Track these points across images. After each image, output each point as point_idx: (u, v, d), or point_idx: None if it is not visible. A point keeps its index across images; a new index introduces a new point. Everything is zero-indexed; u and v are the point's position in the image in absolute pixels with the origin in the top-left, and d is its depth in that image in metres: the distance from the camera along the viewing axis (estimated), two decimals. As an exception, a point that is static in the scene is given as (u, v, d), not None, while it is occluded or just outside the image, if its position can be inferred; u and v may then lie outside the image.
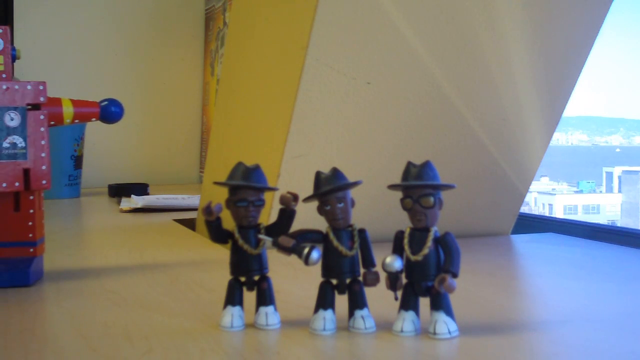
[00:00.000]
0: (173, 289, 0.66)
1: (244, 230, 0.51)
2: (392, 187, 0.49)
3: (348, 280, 0.50)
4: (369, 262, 0.50)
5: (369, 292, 0.50)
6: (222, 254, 0.83)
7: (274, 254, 0.51)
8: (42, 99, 0.67)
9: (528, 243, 0.97)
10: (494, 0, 0.82)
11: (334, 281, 0.50)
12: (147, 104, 2.06)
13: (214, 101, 1.97)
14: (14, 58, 0.69)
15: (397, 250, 0.49)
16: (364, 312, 0.50)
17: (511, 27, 0.85)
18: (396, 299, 0.50)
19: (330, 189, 0.49)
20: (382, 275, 0.49)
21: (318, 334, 0.49)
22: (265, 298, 0.51)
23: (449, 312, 0.48)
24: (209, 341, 0.48)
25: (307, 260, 0.48)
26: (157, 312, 0.57)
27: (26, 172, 0.66)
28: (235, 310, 0.51)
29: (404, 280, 0.49)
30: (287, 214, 0.51)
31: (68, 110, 0.72)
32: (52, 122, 0.71)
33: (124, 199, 1.47)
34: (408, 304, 0.49)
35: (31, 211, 0.68)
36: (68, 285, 0.67)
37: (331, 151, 0.84)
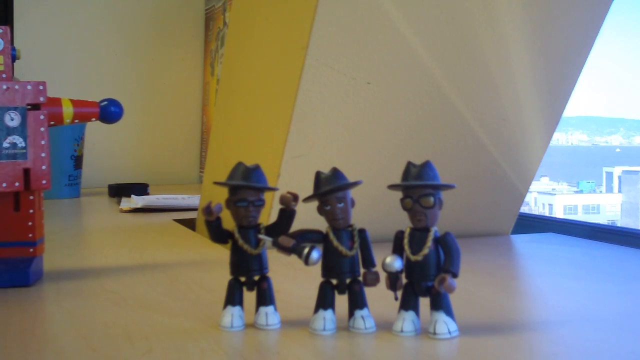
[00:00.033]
0: (173, 289, 0.66)
1: (244, 230, 0.51)
2: (392, 187, 0.49)
3: (348, 280, 0.50)
4: (369, 262, 0.50)
5: (369, 292, 0.50)
6: (222, 254, 0.83)
7: (274, 254, 0.51)
8: (42, 99, 0.67)
9: (528, 243, 0.97)
10: (494, 0, 0.82)
11: (334, 281, 0.50)
12: (147, 104, 2.06)
13: (214, 101, 1.97)
14: (14, 58, 0.69)
15: (397, 250, 0.49)
16: (364, 312, 0.50)
17: (511, 27, 0.85)
18: (396, 299, 0.50)
19: (330, 189, 0.49)
20: (382, 275, 0.49)
21: (318, 334, 0.49)
22: (265, 298, 0.51)
23: (449, 312, 0.48)
24: (209, 341, 0.48)
25: (307, 260, 0.48)
26: (157, 312, 0.57)
27: (26, 172, 0.66)
28: (235, 310, 0.51)
29: (404, 280, 0.49)
30: (287, 214, 0.51)
31: (68, 110, 0.72)
32: (52, 122, 0.71)
33: (124, 199, 1.47)
34: (408, 304, 0.49)
35: (31, 211, 0.68)
36: (68, 285, 0.67)
37: (331, 151, 0.84)
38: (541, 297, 0.68)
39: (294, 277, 0.70)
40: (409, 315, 0.49)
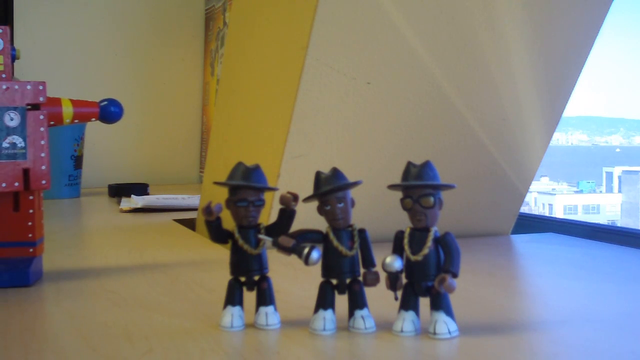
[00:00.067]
0: (173, 289, 0.66)
1: (244, 230, 0.51)
2: (392, 187, 0.49)
3: (348, 280, 0.50)
4: (369, 262, 0.50)
5: (369, 292, 0.50)
6: (222, 254, 0.83)
7: (274, 254, 0.51)
8: (41, 99, 0.67)
9: (528, 243, 0.97)
10: (494, 0, 0.82)
11: (334, 281, 0.50)
12: (147, 104, 2.06)
13: (214, 101, 1.97)
14: (14, 58, 0.69)
15: (397, 250, 0.49)
16: (364, 312, 0.50)
17: (511, 27, 0.85)
18: (396, 299, 0.50)
19: (330, 189, 0.49)
20: (382, 275, 0.49)
21: (318, 334, 0.49)
22: (265, 298, 0.51)
23: (449, 312, 0.48)
24: (209, 341, 0.48)
25: (307, 260, 0.48)
26: (157, 312, 0.57)
27: (26, 172, 0.66)
28: (235, 310, 0.51)
29: (404, 280, 0.49)
30: (287, 214, 0.51)
31: (68, 110, 0.72)
32: (52, 122, 0.71)
33: (124, 199, 1.47)
34: (408, 304, 0.49)
35: (31, 211, 0.68)
36: (68, 285, 0.67)
37: (331, 151, 0.84)
38: (541, 297, 0.68)
39: (294, 277, 0.70)
40: (409, 315, 0.49)
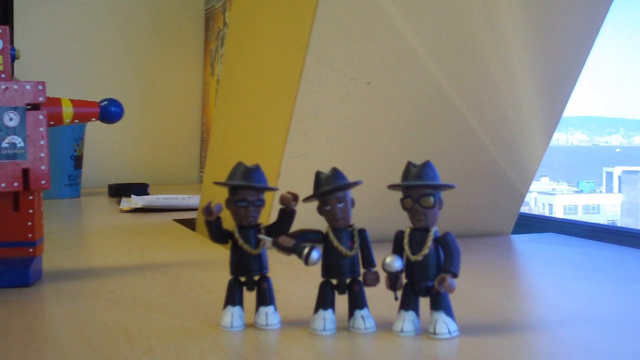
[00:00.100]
0: (173, 289, 0.66)
1: (244, 230, 0.51)
2: (392, 187, 0.49)
3: (348, 280, 0.50)
4: (369, 262, 0.50)
5: (369, 292, 0.50)
6: (222, 254, 0.83)
7: (274, 254, 0.51)
8: (41, 99, 0.67)
9: (528, 243, 0.97)
10: (494, 0, 0.82)
11: (334, 281, 0.50)
12: (147, 104, 2.06)
13: (214, 101, 1.97)
14: (14, 58, 0.69)
15: (397, 250, 0.49)
16: (364, 312, 0.50)
17: (511, 27, 0.85)
18: (396, 299, 0.50)
19: (330, 189, 0.49)
20: (382, 275, 0.49)
21: (318, 334, 0.49)
22: (265, 298, 0.51)
23: (449, 312, 0.48)
24: (209, 341, 0.48)
25: (307, 260, 0.48)
26: (157, 312, 0.57)
27: (25, 172, 0.66)
28: (235, 310, 0.51)
29: (404, 280, 0.49)
30: (287, 214, 0.51)
31: (68, 110, 0.72)
32: (52, 122, 0.71)
33: (124, 199, 1.47)
34: (408, 304, 0.49)
35: (30, 211, 0.68)
36: (68, 285, 0.67)
37: (331, 151, 0.84)
38: (541, 297, 0.68)
39: (294, 277, 0.69)
40: (409, 315, 0.49)
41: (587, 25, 0.89)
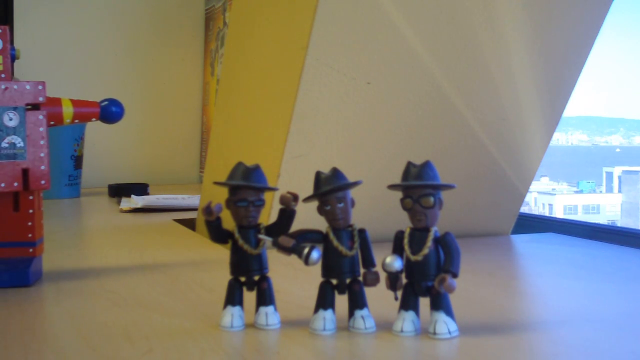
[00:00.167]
0: (173, 289, 0.66)
1: (244, 230, 0.51)
2: (392, 187, 0.49)
3: (348, 280, 0.50)
4: (369, 262, 0.50)
5: (369, 292, 0.50)
6: (222, 254, 0.83)
7: (274, 254, 0.51)
8: (41, 99, 0.67)
9: (528, 243, 0.97)
10: (494, 0, 0.82)
11: (334, 281, 0.50)
12: (147, 104, 2.06)
13: (214, 101, 1.97)
14: (14, 58, 0.69)
15: (397, 250, 0.49)
16: (364, 312, 0.50)
17: (511, 27, 0.85)
18: (396, 299, 0.50)
19: (330, 189, 0.49)
20: (382, 275, 0.49)
21: (318, 334, 0.49)
22: (265, 298, 0.51)
23: (449, 312, 0.48)
24: (209, 341, 0.48)
25: (307, 260, 0.48)
26: (157, 312, 0.57)
27: (25, 172, 0.66)
28: (235, 310, 0.51)
29: (404, 280, 0.49)
30: (287, 214, 0.51)
31: (68, 110, 0.72)
32: (52, 122, 0.71)
33: (124, 199, 1.47)
34: (408, 304, 0.49)
35: (30, 211, 0.68)
36: (68, 285, 0.67)
37: (331, 151, 0.84)
38: (541, 297, 0.68)
39: (294, 277, 0.69)
40: (409, 315, 0.49)
41: (587, 25, 0.89)
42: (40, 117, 0.67)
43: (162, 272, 0.74)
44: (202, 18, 2.13)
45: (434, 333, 0.48)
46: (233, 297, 0.51)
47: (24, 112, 0.66)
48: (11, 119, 0.66)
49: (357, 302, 0.50)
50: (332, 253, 0.50)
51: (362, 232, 0.50)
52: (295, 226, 0.51)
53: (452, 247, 0.48)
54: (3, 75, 0.66)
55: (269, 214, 0.82)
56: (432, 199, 0.48)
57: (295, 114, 0.80)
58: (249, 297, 0.51)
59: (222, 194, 0.50)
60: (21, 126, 0.66)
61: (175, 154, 2.12)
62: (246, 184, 0.49)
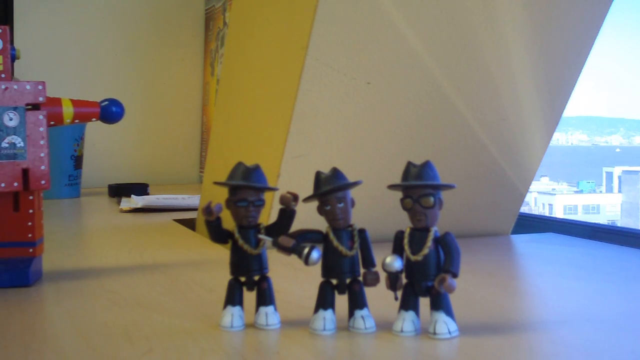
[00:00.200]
0: (173, 289, 0.66)
1: (244, 230, 0.51)
2: (392, 187, 0.49)
3: (348, 280, 0.50)
4: (369, 262, 0.50)
5: (369, 292, 0.50)
6: (222, 254, 0.83)
7: (274, 254, 0.51)
8: (41, 99, 0.67)
9: (528, 243, 0.97)
10: (494, 0, 0.82)
11: (334, 281, 0.50)
12: (147, 104, 2.06)
13: (214, 101, 1.97)
14: (14, 58, 0.69)
15: (397, 250, 0.49)
16: (364, 312, 0.50)
17: (511, 27, 0.85)
18: (396, 299, 0.50)
19: (330, 189, 0.49)
20: (382, 275, 0.49)
21: (318, 334, 0.49)
22: (265, 298, 0.51)
23: (449, 312, 0.48)
24: (209, 341, 0.48)
25: (307, 260, 0.48)
26: (157, 312, 0.57)
27: (25, 172, 0.66)
28: (235, 310, 0.51)
29: (404, 280, 0.49)
30: (287, 214, 0.51)
31: (68, 110, 0.72)
32: (52, 122, 0.71)
33: (124, 199, 1.47)
34: (408, 304, 0.49)
35: (30, 211, 0.68)
36: (68, 285, 0.67)
37: (331, 151, 0.84)
38: (541, 297, 0.68)
39: (294, 277, 0.69)
40: (409, 315, 0.49)
41: (587, 25, 0.89)
42: (41, 117, 0.67)
43: (162, 272, 0.74)
44: (202, 18, 2.13)
45: (434, 333, 0.48)
46: (233, 297, 0.51)
47: (24, 112, 0.66)
48: (11, 119, 0.66)
49: (357, 302, 0.50)
50: (332, 253, 0.50)
51: (362, 232, 0.50)
52: (295, 226, 0.51)
53: (452, 247, 0.48)
54: (3, 75, 0.66)
55: (269, 214, 0.82)
56: (432, 199, 0.48)
57: (295, 114, 0.80)
58: (249, 297, 0.51)
59: (222, 194, 0.50)
60: (21, 126, 0.66)
61: (175, 154, 2.12)
62: (246, 184, 0.49)
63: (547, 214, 6.47)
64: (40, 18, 1.96)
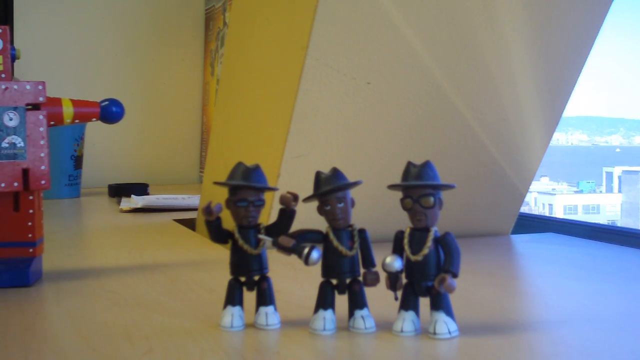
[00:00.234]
0: (173, 289, 0.66)
1: (244, 230, 0.51)
2: (392, 187, 0.49)
3: (348, 280, 0.50)
4: (369, 262, 0.50)
5: (369, 292, 0.50)
6: (222, 254, 0.83)
7: (274, 254, 0.51)
8: (41, 98, 0.67)
9: (528, 243, 0.97)
10: (494, 0, 0.82)
11: (334, 281, 0.50)
12: (147, 104, 2.06)
13: (214, 101, 1.97)
14: (14, 58, 0.69)
15: (397, 250, 0.49)
16: (364, 312, 0.50)
17: (511, 27, 0.85)
18: (396, 299, 0.50)
19: (330, 189, 0.49)
20: (382, 275, 0.49)
21: (318, 334, 0.49)
22: (265, 298, 0.51)
23: (449, 312, 0.48)
24: (209, 341, 0.48)
25: (307, 260, 0.48)
26: (157, 312, 0.57)
27: (25, 172, 0.66)
28: (235, 310, 0.51)
29: (404, 280, 0.49)
30: (287, 214, 0.51)
31: (68, 110, 0.72)
32: (52, 122, 0.71)
33: (124, 199, 1.47)
34: (408, 304, 0.49)
35: (30, 211, 0.68)
36: (68, 285, 0.67)
37: (331, 151, 0.84)
38: (541, 297, 0.68)
39: (294, 277, 0.70)
40: (409, 315, 0.49)
41: (587, 25, 0.89)
42: (41, 117, 0.67)
43: (162, 272, 0.74)
44: (202, 18, 2.13)
45: (434, 333, 0.48)
46: (233, 297, 0.51)
47: (24, 112, 0.66)
48: (11, 119, 0.66)
49: (357, 302, 0.50)
50: (332, 253, 0.50)
51: (362, 232, 0.50)
52: (295, 226, 0.51)
53: (452, 247, 0.48)
54: (3, 75, 0.66)
55: (269, 214, 0.82)
56: (432, 199, 0.48)
57: (295, 114, 0.80)
58: (249, 297, 0.51)
59: (222, 194, 0.50)
60: (21, 126, 0.66)
61: (175, 154, 2.12)
62: (246, 184, 0.49)
63: (547, 214, 6.47)
64: (40, 18, 1.96)
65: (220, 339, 0.49)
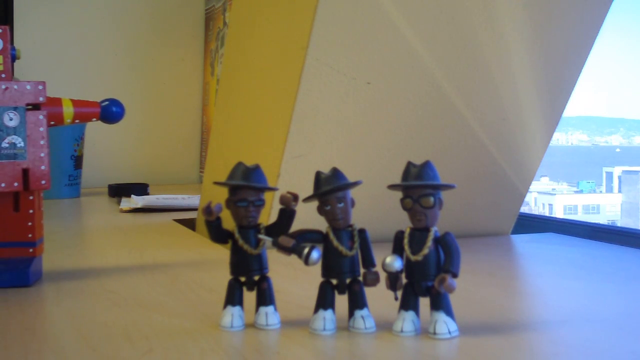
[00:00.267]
0: (173, 289, 0.66)
1: (244, 230, 0.51)
2: (392, 187, 0.49)
3: (348, 280, 0.50)
4: (369, 262, 0.50)
5: (369, 292, 0.50)
6: (222, 254, 0.83)
7: (274, 254, 0.51)
8: (41, 98, 0.67)
9: (528, 243, 0.97)
10: (494, 0, 0.82)
11: (334, 281, 0.50)
12: (147, 104, 2.06)
13: (214, 101, 1.97)
14: (14, 58, 0.69)
15: (397, 250, 0.49)
16: (364, 312, 0.50)
17: (511, 27, 0.85)
18: (396, 299, 0.50)
19: (330, 189, 0.49)
20: (382, 275, 0.49)
21: (318, 334, 0.49)
22: (265, 298, 0.51)
23: (449, 312, 0.48)
24: (209, 341, 0.48)
25: (307, 260, 0.48)
26: (157, 312, 0.57)
27: (25, 172, 0.66)
28: (235, 310, 0.51)
29: (404, 280, 0.49)
30: (287, 214, 0.51)
31: (68, 110, 0.72)
32: (52, 122, 0.71)
33: (124, 199, 1.47)
34: (408, 304, 0.49)
35: (31, 211, 0.68)
36: (68, 285, 0.67)
37: (331, 151, 0.84)
38: (541, 297, 0.68)
39: (294, 277, 0.70)
40: (409, 315, 0.49)
41: (587, 25, 0.89)
42: (41, 117, 0.67)
43: (162, 272, 0.74)
44: (202, 18, 2.13)
45: (434, 333, 0.48)
46: (233, 297, 0.51)
47: (24, 112, 0.66)
48: (11, 119, 0.66)
49: (357, 302, 0.50)
50: (332, 253, 0.50)
51: (362, 232, 0.50)
52: (295, 226, 0.51)
53: (452, 247, 0.48)
54: (3, 75, 0.66)
55: (269, 214, 0.82)
56: (432, 199, 0.48)
57: (295, 114, 0.80)
58: (249, 297, 0.51)
59: (222, 194, 0.50)
60: (21, 126, 0.66)
61: (175, 154, 2.12)
62: (246, 184, 0.49)
63: (547, 214, 6.47)
64: (40, 18, 1.96)
65: (220, 339, 0.49)
